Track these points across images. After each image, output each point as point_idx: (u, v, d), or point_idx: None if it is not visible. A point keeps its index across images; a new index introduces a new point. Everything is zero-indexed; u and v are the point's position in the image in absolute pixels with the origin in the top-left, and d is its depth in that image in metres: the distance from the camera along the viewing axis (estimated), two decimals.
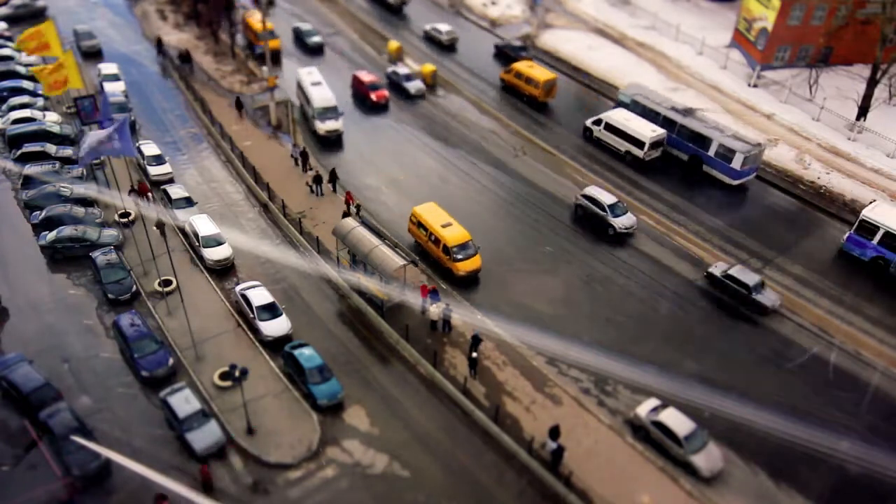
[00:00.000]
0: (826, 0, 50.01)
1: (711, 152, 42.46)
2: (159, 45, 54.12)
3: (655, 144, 43.96)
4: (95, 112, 37.55)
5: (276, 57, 53.50)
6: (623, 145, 44.82)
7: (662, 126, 44.38)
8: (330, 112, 44.76)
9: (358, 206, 39.05)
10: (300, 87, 47.43)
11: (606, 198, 38.79)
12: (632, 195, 41.80)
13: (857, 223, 36.69)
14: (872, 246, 36.25)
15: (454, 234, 34.81)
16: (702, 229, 39.28)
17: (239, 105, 47.75)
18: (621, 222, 37.78)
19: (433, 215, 35.88)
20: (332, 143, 45.45)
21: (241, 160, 42.43)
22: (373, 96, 49.62)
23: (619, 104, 47.69)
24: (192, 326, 30.55)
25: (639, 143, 43.81)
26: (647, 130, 43.76)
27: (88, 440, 25.90)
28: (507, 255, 36.93)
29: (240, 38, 56.44)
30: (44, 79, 36.71)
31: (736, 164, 41.43)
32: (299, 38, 58.10)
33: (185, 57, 52.14)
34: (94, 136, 29.13)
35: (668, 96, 48.30)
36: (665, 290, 35.11)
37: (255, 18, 53.02)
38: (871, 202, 37.87)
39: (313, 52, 57.03)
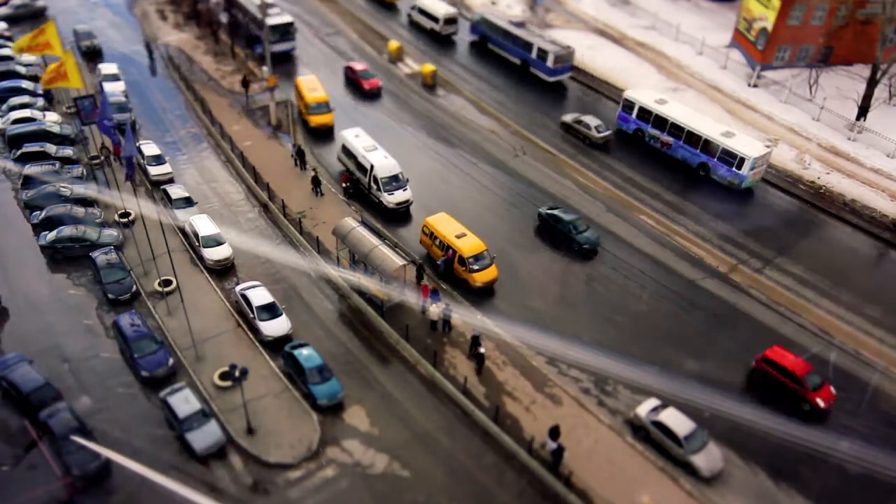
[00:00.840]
0: (826, 0, 50.02)
1: (533, 54, 52.23)
2: (149, 49, 53.44)
3: (449, 21, 58.54)
4: (95, 112, 37.53)
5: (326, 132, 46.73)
6: (428, 23, 59.59)
7: (503, 38, 55.10)
8: (395, 180, 39.35)
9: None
10: (347, 152, 41.50)
11: None
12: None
13: (622, 102, 46.33)
14: (633, 120, 45.90)
15: (469, 244, 33.96)
16: (702, 230, 39.28)
17: (302, 158, 42.77)
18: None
19: (446, 226, 35.07)
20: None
21: (241, 160, 42.43)
22: (365, 85, 50.12)
23: (472, 23, 58.65)
24: (192, 326, 30.56)
25: (436, 20, 58.37)
26: (442, 10, 58.46)
27: (88, 440, 25.90)
28: (507, 254, 36.93)
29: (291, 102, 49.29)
30: (46, 75, 36.76)
31: (550, 62, 51.40)
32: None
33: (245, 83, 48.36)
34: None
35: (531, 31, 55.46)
36: (665, 290, 35.10)
37: (308, 85, 47.22)
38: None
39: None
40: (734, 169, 41.08)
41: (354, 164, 40.90)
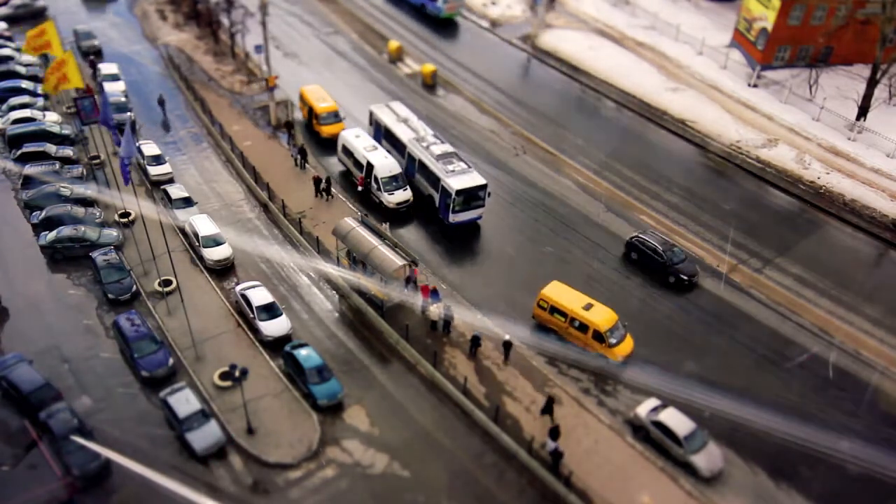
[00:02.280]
0: (826, 0, 50.01)
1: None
2: (161, 103, 48.69)
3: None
4: (95, 112, 37.55)
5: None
6: None
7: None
8: (395, 180, 39.30)
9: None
10: (347, 152, 41.45)
11: None
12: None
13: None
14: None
15: (604, 317, 30.51)
16: (702, 230, 39.29)
17: (304, 158, 42.36)
18: None
19: (567, 296, 31.44)
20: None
21: (241, 160, 42.42)
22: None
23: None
24: (192, 326, 30.57)
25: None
26: None
27: (88, 440, 25.91)
28: (507, 254, 36.93)
29: (297, 115, 48.18)
30: (46, 78, 36.80)
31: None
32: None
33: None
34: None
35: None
36: (665, 290, 35.09)
37: (316, 94, 46.55)
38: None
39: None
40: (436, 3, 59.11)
41: (354, 163, 40.92)
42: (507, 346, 30.66)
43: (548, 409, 27.95)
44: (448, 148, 39.00)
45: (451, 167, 37.36)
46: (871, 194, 42.06)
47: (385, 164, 39.19)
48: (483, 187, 36.91)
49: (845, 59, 53.40)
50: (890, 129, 46.04)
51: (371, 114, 43.34)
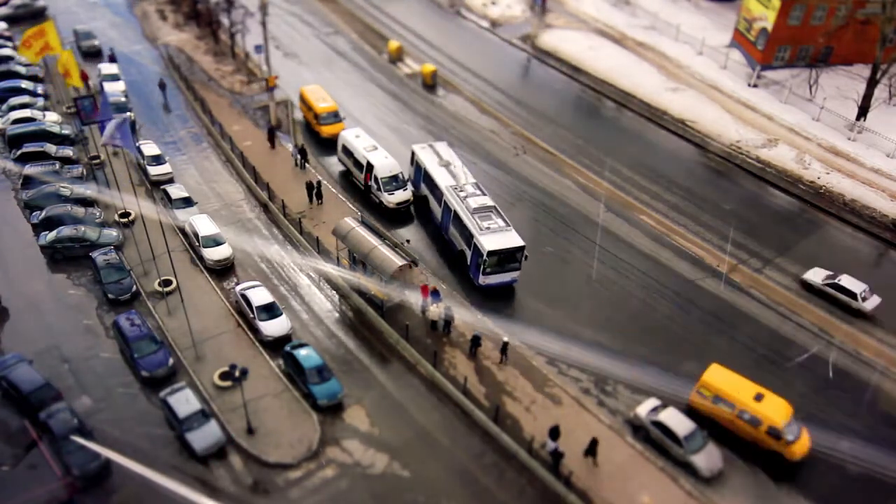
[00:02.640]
0: (826, 0, 50.01)
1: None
2: (163, 87, 49.84)
3: None
4: (95, 112, 37.52)
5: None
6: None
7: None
8: (395, 180, 39.01)
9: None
10: (347, 152, 41.24)
11: None
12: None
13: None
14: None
15: (778, 410, 27.04)
16: (702, 230, 39.29)
17: (304, 158, 42.43)
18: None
19: (734, 383, 28.01)
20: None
21: (241, 160, 42.42)
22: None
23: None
24: (192, 326, 30.57)
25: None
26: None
27: (88, 440, 25.91)
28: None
29: (298, 115, 48.12)
30: (25, 44, 36.69)
31: None
32: None
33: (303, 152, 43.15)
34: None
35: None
36: (665, 290, 35.10)
37: (316, 94, 46.51)
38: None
39: None
40: None
41: (354, 163, 40.73)
42: (504, 347, 30.55)
43: (591, 450, 26.60)
44: (487, 201, 35.05)
45: (487, 223, 33.50)
46: (871, 194, 42.07)
47: (385, 164, 39.01)
48: (520, 249, 33.08)
49: (845, 59, 53.41)
50: (890, 129, 46.05)
51: (412, 154, 40.07)
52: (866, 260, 38.41)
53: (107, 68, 49.92)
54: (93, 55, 53.92)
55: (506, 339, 30.64)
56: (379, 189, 39.04)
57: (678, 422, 27.19)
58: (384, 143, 42.26)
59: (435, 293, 32.75)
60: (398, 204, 39.02)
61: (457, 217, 35.07)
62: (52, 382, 28.06)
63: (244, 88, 50.95)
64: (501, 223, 33.85)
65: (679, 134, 48.34)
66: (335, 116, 45.63)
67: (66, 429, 25.96)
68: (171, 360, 29.62)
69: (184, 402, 27.08)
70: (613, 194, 41.92)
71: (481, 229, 33.23)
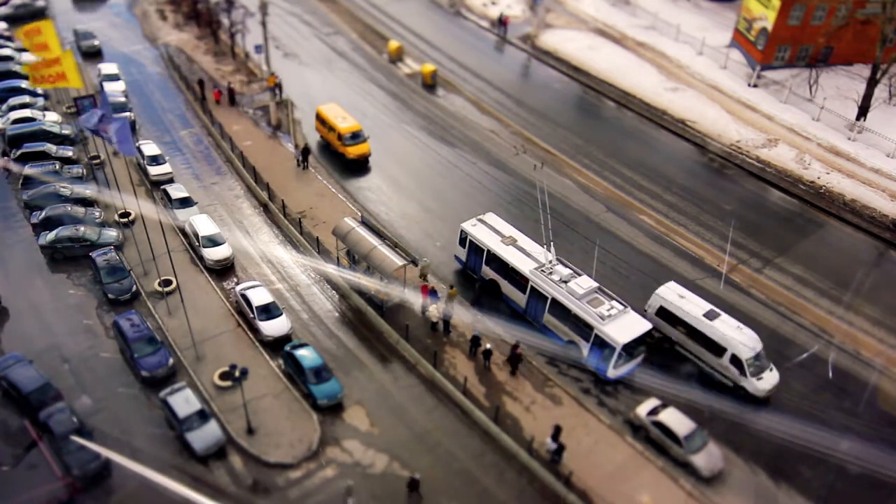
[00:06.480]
0: (826, 0, 50.02)
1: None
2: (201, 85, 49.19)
3: None
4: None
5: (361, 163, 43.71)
6: None
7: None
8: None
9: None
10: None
11: None
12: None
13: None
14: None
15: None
16: (702, 230, 39.30)
17: (306, 158, 42.53)
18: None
19: None
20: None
21: (241, 160, 42.42)
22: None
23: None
24: (192, 326, 30.57)
25: None
26: None
27: (88, 440, 25.90)
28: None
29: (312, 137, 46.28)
30: (35, 71, 36.55)
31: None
32: None
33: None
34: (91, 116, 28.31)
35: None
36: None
37: (335, 113, 44.26)
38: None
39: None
40: None
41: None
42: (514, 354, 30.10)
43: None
44: (590, 282, 30.69)
45: (601, 309, 29.47)
46: (871, 194, 42.08)
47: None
48: (648, 331, 29.68)
49: (845, 59, 53.43)
50: (890, 129, 46.07)
51: (463, 234, 34.60)
52: (866, 260, 38.40)
53: (107, 68, 49.94)
54: (93, 55, 53.94)
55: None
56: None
57: (678, 422, 27.19)
58: (384, 143, 42.17)
59: (434, 293, 32.75)
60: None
61: (556, 305, 30.68)
62: (52, 382, 28.04)
63: (244, 88, 50.93)
64: (617, 305, 29.86)
65: (679, 134, 48.37)
66: (360, 136, 43.20)
67: (66, 429, 25.96)
68: (170, 360, 29.60)
69: (184, 402, 27.07)
70: (613, 194, 41.92)
71: (602, 318, 29.10)
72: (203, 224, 35.95)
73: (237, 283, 33.93)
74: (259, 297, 31.97)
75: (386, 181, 42.43)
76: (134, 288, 33.23)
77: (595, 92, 53.46)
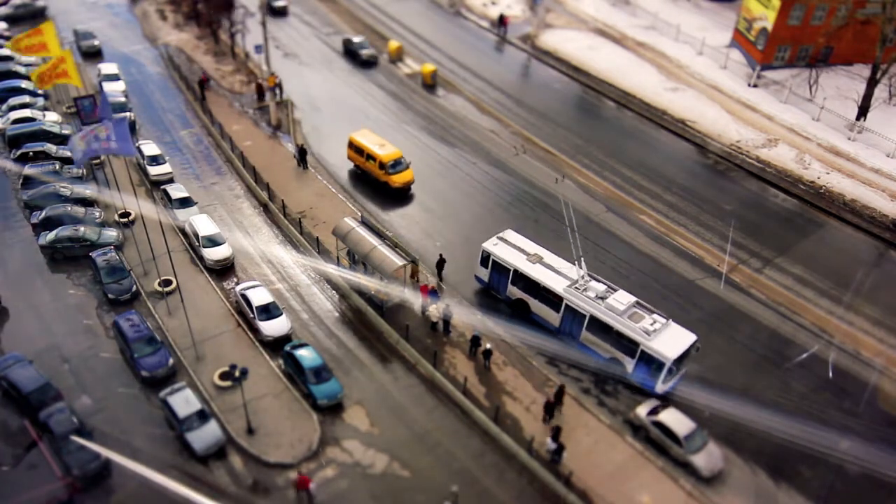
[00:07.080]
0: (826, 0, 50.03)
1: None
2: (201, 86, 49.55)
3: None
4: (95, 112, 37.55)
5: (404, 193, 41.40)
6: None
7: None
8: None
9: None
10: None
11: None
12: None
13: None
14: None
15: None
16: (702, 230, 39.30)
17: (304, 157, 42.58)
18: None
19: None
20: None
21: (241, 160, 42.42)
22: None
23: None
24: (192, 326, 30.57)
25: None
26: None
27: (88, 440, 25.90)
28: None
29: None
30: (38, 74, 36.57)
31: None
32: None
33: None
34: (85, 133, 27.78)
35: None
36: (665, 290, 35.09)
37: (371, 140, 41.61)
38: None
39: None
40: None
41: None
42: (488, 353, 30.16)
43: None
44: (629, 297, 30.06)
45: (644, 324, 28.94)
46: (871, 194, 42.09)
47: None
48: (694, 343, 29.03)
49: (845, 59, 53.45)
50: (890, 129, 46.08)
51: (485, 253, 33.45)
52: (866, 260, 38.40)
53: (107, 68, 49.95)
54: (93, 55, 53.93)
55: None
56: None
57: (678, 422, 27.19)
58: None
59: (433, 293, 32.76)
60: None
61: (595, 322, 30.03)
62: (51, 382, 28.03)
63: (244, 88, 50.93)
64: (659, 318, 29.36)
65: (679, 134, 48.37)
66: (403, 162, 40.88)
67: (65, 429, 25.95)
68: (170, 360, 29.59)
69: (184, 402, 27.05)
70: (613, 194, 41.92)
71: (647, 334, 28.50)
72: (203, 224, 35.95)
73: (237, 283, 33.94)
74: (259, 297, 31.97)
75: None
76: (134, 288, 33.23)
77: (595, 92, 53.46)
